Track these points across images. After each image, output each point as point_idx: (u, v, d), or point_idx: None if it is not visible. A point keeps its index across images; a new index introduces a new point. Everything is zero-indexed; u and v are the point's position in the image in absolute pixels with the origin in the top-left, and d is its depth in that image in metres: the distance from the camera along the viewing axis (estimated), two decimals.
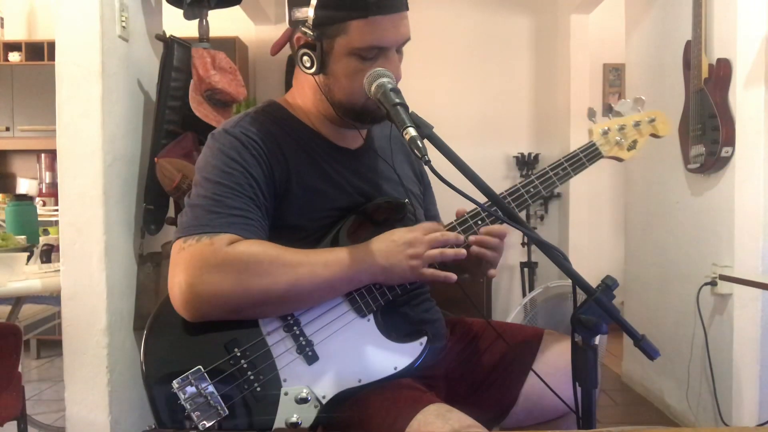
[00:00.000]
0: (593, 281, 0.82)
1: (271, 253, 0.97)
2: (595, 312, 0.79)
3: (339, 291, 1.02)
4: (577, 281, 0.82)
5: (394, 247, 1.01)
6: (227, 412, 0.93)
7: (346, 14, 0.99)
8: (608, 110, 1.19)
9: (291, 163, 1.06)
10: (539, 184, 1.12)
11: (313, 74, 1.05)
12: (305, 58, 1.04)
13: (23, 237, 2.18)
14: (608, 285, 0.82)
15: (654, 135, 1.22)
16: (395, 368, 1.03)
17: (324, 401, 0.98)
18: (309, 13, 1.00)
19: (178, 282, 0.94)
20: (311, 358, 0.99)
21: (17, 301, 2.16)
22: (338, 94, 1.05)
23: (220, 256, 0.93)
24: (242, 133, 1.04)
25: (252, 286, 0.94)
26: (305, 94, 1.13)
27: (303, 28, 1.02)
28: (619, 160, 1.20)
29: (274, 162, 1.04)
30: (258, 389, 0.96)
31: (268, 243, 0.99)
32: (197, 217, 0.97)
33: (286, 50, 1.12)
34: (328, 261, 0.98)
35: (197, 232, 0.96)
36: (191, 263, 0.93)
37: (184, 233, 0.97)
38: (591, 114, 1.19)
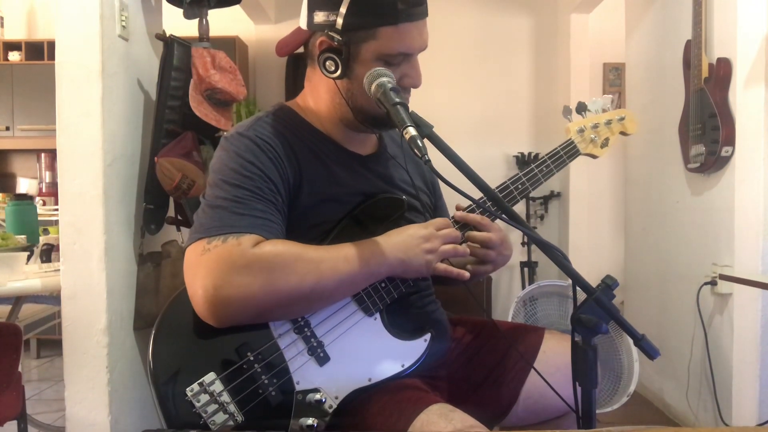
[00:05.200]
0: (593, 281, 0.82)
1: (295, 251, 0.95)
2: (595, 312, 0.79)
3: (359, 285, 1.01)
4: (577, 281, 0.82)
5: (411, 240, 1.01)
6: (243, 418, 0.92)
7: (376, 20, 1.00)
8: (582, 109, 1.24)
9: (303, 167, 1.05)
10: (526, 180, 1.16)
11: (336, 78, 1.05)
12: (329, 62, 1.03)
13: (23, 236, 2.18)
14: (608, 285, 0.81)
15: (623, 133, 1.27)
16: (402, 366, 1.03)
17: (337, 402, 0.98)
18: (338, 18, 1.00)
19: (202, 285, 0.90)
20: (323, 359, 0.99)
21: (17, 300, 2.16)
22: (361, 99, 1.05)
23: (247, 257, 0.91)
24: (257, 136, 1.03)
25: (280, 286, 0.92)
26: (320, 97, 1.12)
27: (330, 33, 1.01)
28: (594, 157, 1.25)
29: (288, 165, 1.03)
30: (272, 393, 0.95)
31: (289, 242, 0.98)
32: (221, 218, 0.95)
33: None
34: (348, 255, 0.97)
35: (222, 232, 0.93)
36: (218, 265, 0.90)
37: (207, 234, 0.94)
38: (566, 112, 1.24)
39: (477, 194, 0.91)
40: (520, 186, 1.15)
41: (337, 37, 1.01)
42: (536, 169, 1.17)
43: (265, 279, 0.91)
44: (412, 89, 1.09)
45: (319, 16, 1.02)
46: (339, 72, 1.03)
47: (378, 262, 0.99)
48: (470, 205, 1.11)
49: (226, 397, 0.92)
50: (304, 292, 0.94)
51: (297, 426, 0.94)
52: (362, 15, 0.99)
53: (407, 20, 1.00)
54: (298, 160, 1.05)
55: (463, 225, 1.11)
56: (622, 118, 1.25)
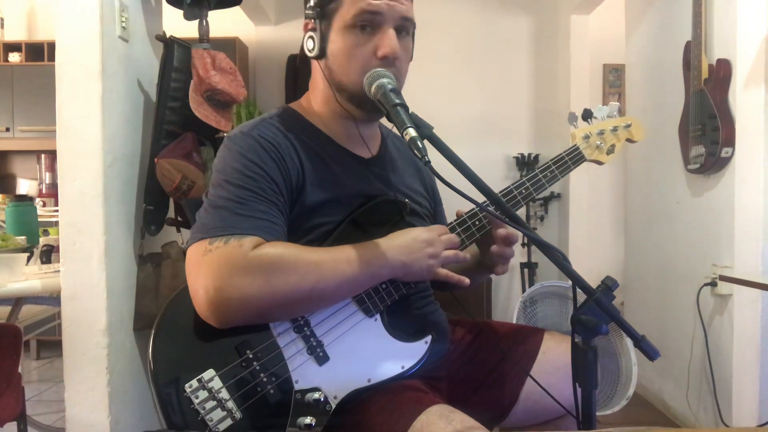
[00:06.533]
0: (593, 281, 0.82)
1: (295, 253, 0.96)
2: (595, 312, 0.79)
3: (361, 287, 1.01)
4: (577, 281, 0.82)
5: (414, 244, 1.02)
6: (241, 415, 0.92)
7: None
8: (588, 115, 1.25)
9: (306, 168, 1.05)
10: (530, 185, 1.16)
11: (315, 58, 1.08)
12: (309, 41, 1.08)
13: (23, 237, 2.18)
14: (608, 285, 0.82)
15: (629, 140, 1.27)
16: (402, 367, 1.03)
17: (335, 402, 0.98)
18: None
19: (204, 285, 0.90)
20: (322, 358, 0.99)
21: (17, 301, 2.16)
22: (338, 74, 1.06)
23: (248, 259, 0.91)
24: (260, 136, 1.03)
25: (279, 287, 0.92)
26: (317, 89, 1.14)
27: (307, 12, 1.06)
28: (599, 163, 1.25)
29: (291, 166, 1.03)
30: (271, 391, 0.95)
31: (290, 243, 0.99)
32: (223, 218, 0.95)
33: (286, 51, 1.13)
34: (350, 257, 0.97)
35: (224, 233, 0.93)
36: (219, 266, 0.90)
37: (209, 234, 0.94)
38: (572, 118, 1.23)
39: (477, 195, 0.91)
40: (524, 191, 1.15)
41: (311, 14, 1.05)
42: (540, 174, 1.17)
43: (265, 280, 0.91)
44: (405, 85, 1.09)
45: (308, 2, 1.08)
46: (315, 50, 1.07)
47: (380, 264, 0.99)
48: (473, 209, 1.11)
49: (224, 394, 0.92)
50: (304, 293, 0.94)
51: (295, 425, 0.94)
52: None
53: None
54: (301, 160, 1.05)
55: (465, 230, 1.10)
56: (629, 125, 1.25)
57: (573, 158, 1.20)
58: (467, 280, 1.06)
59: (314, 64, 1.12)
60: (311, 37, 1.07)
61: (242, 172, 0.99)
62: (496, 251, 1.13)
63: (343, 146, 1.13)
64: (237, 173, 0.99)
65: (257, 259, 0.92)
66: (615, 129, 1.24)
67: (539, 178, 1.17)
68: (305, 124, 1.12)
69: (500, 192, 1.13)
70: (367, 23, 1.02)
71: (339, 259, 0.97)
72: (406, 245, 1.01)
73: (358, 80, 1.03)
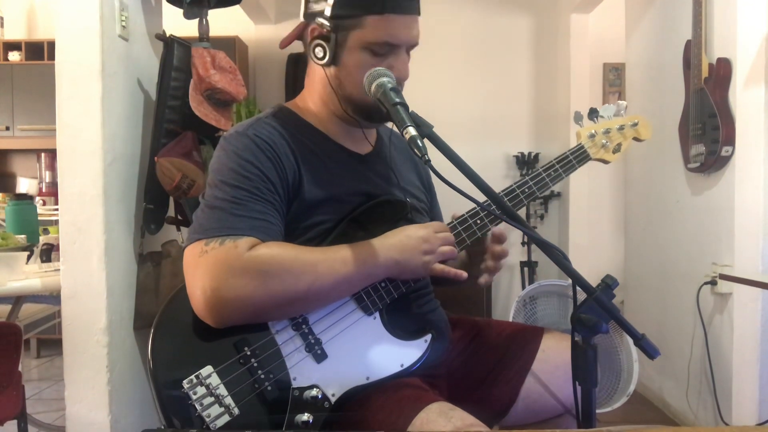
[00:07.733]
0: (593, 280, 0.82)
1: (291, 253, 0.96)
2: (595, 311, 0.79)
3: (356, 287, 1.02)
4: (577, 280, 0.82)
5: (408, 241, 1.02)
6: (238, 411, 0.93)
7: (363, 9, 1.02)
8: (594, 114, 1.23)
9: (303, 166, 1.05)
10: (534, 184, 1.15)
11: (324, 65, 1.08)
12: (318, 49, 1.07)
13: (23, 236, 2.18)
14: (608, 284, 0.82)
15: (636, 138, 1.26)
16: (401, 365, 1.03)
17: (333, 399, 0.98)
18: (327, 6, 1.03)
19: (201, 286, 0.92)
20: (320, 356, 0.99)
21: (17, 300, 2.16)
22: (348, 87, 1.07)
23: (243, 260, 0.92)
24: (256, 136, 1.03)
25: (275, 288, 0.93)
26: (314, 90, 1.14)
27: (319, 20, 1.05)
28: (605, 162, 1.24)
29: (288, 165, 1.04)
30: (268, 388, 0.95)
31: (285, 244, 0.99)
32: (219, 219, 0.96)
33: (286, 50, 1.12)
34: (345, 257, 0.98)
35: (220, 234, 0.94)
36: (216, 267, 0.91)
37: (205, 235, 0.95)
38: (577, 117, 1.23)
39: (477, 194, 0.91)
40: (527, 190, 1.14)
41: (326, 23, 1.04)
42: (544, 173, 1.16)
43: (262, 281, 0.92)
44: (405, 84, 1.09)
45: (313, 5, 1.06)
46: (327, 58, 1.06)
47: (375, 264, 0.99)
48: (473, 208, 1.10)
49: (222, 391, 0.93)
50: (300, 293, 0.95)
51: (293, 422, 0.95)
52: (350, 3, 1.03)
53: (393, 11, 1.02)
54: (297, 159, 1.05)
55: (466, 228, 1.10)
56: (635, 124, 1.24)
57: (578, 157, 1.19)
58: (465, 274, 1.06)
59: (314, 66, 1.12)
60: (320, 45, 1.06)
61: (238, 171, 0.99)
62: (491, 266, 1.11)
63: (340, 144, 1.13)
64: (233, 173, 0.99)
65: (253, 261, 0.92)
66: (621, 128, 1.23)
67: (543, 176, 1.16)
68: (301, 122, 1.12)
69: (503, 191, 1.13)
70: (385, 50, 1.04)
71: (334, 259, 0.97)
72: (400, 243, 1.01)
73: (369, 96, 1.03)
